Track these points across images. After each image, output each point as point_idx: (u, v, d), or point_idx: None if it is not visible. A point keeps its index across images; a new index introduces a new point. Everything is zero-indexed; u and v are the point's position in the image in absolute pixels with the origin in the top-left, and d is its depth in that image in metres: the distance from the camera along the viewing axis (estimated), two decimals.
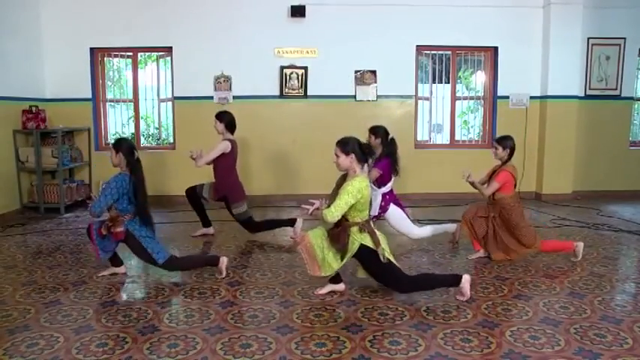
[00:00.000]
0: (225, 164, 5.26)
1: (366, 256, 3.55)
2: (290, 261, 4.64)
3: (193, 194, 5.41)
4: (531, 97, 7.85)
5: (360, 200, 3.48)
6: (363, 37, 7.50)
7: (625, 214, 6.70)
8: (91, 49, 7.47)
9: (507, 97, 7.78)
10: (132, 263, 4.63)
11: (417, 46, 7.71)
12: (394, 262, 3.57)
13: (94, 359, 2.79)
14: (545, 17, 7.66)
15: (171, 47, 7.50)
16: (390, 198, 4.98)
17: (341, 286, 3.82)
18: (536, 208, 7.11)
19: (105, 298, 3.71)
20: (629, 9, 7.72)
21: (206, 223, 5.57)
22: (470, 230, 4.68)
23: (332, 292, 3.78)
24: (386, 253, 3.52)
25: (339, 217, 3.46)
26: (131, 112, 7.77)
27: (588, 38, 7.76)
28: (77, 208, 6.95)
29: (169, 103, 7.80)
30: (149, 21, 7.38)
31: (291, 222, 5.39)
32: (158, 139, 8.68)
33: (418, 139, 8.09)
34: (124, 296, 3.83)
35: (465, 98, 8.70)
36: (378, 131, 4.96)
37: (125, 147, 4.03)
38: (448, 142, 8.21)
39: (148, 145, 8.73)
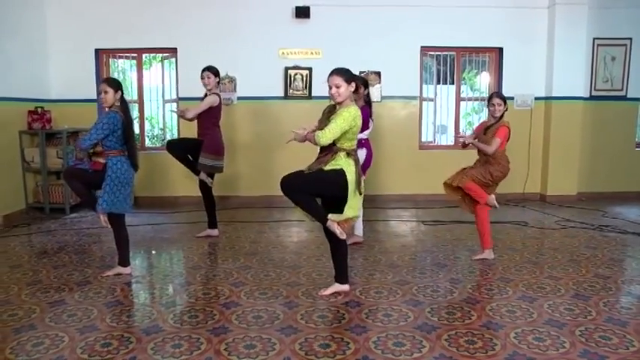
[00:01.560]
0: (210, 118, 5.31)
1: (332, 173, 3.49)
2: (294, 262, 4.64)
3: (205, 187, 5.41)
4: (536, 98, 7.82)
5: (353, 129, 3.49)
6: (368, 38, 7.50)
7: (630, 215, 6.67)
8: (96, 50, 7.50)
9: (512, 98, 7.72)
10: (136, 263, 4.65)
11: (422, 46, 7.70)
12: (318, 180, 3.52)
13: (99, 359, 2.79)
14: (550, 18, 7.63)
15: (175, 48, 7.52)
16: (365, 143, 4.99)
17: (345, 287, 3.80)
18: (540, 210, 7.09)
19: (109, 298, 3.72)
20: (634, 9, 7.69)
21: (212, 224, 5.57)
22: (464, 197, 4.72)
23: (336, 293, 3.77)
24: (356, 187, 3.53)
25: (331, 141, 3.45)
26: (136, 113, 7.78)
27: (594, 39, 7.74)
28: (82, 209, 6.97)
29: (174, 104, 7.81)
30: (154, 22, 7.40)
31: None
32: (163, 140, 8.70)
33: (422, 140, 8.08)
34: (129, 296, 3.84)
35: (470, 99, 8.69)
36: (363, 83, 4.96)
37: (121, 86, 4.15)
38: (452, 143, 8.19)
39: (153, 146, 8.74)
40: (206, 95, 5.38)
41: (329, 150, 3.55)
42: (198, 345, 2.95)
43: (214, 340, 3.01)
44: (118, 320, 3.32)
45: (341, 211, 3.55)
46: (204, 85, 5.34)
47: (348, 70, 3.59)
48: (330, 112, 3.65)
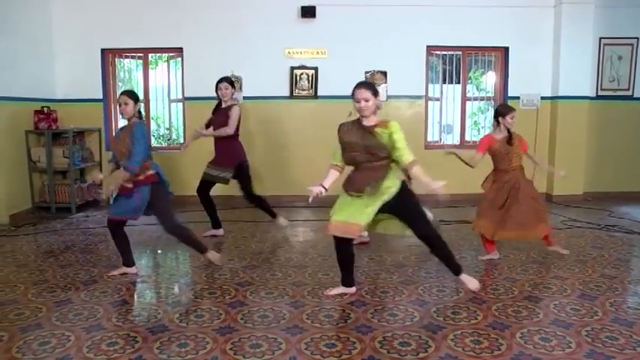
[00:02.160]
0: (234, 130, 5.44)
1: (406, 195, 3.54)
2: (300, 261, 4.64)
3: (205, 193, 5.44)
4: (542, 98, 7.79)
5: None
6: (374, 37, 7.49)
7: (637, 215, 6.64)
8: (102, 50, 7.53)
9: (518, 98, 7.71)
10: (142, 263, 4.66)
11: (428, 46, 7.69)
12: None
13: (105, 358, 2.80)
14: (556, 17, 7.60)
15: (181, 48, 7.53)
16: None
17: (352, 290, 3.80)
18: (546, 210, 7.05)
19: (115, 298, 3.74)
20: None
21: (216, 224, 5.59)
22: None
23: (342, 294, 3.77)
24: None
25: None
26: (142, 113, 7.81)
27: (600, 38, 7.70)
28: (88, 208, 7.00)
29: (180, 104, 7.84)
30: (160, 22, 7.41)
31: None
32: (168, 140, 8.73)
33: (428, 139, 8.07)
34: (135, 296, 3.85)
35: (476, 99, 8.67)
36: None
37: (139, 99, 4.26)
38: (458, 143, 8.17)
39: (159, 145, 8.77)
40: (220, 104, 5.48)
41: (378, 165, 3.50)
42: (204, 344, 2.96)
43: (220, 340, 3.02)
44: (124, 319, 3.33)
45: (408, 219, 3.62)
46: (221, 95, 5.43)
47: (373, 84, 3.67)
48: (361, 132, 3.55)
